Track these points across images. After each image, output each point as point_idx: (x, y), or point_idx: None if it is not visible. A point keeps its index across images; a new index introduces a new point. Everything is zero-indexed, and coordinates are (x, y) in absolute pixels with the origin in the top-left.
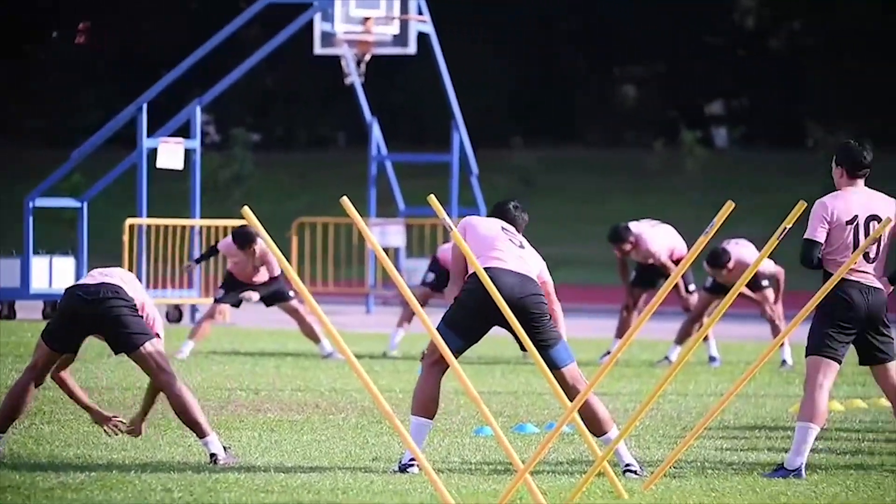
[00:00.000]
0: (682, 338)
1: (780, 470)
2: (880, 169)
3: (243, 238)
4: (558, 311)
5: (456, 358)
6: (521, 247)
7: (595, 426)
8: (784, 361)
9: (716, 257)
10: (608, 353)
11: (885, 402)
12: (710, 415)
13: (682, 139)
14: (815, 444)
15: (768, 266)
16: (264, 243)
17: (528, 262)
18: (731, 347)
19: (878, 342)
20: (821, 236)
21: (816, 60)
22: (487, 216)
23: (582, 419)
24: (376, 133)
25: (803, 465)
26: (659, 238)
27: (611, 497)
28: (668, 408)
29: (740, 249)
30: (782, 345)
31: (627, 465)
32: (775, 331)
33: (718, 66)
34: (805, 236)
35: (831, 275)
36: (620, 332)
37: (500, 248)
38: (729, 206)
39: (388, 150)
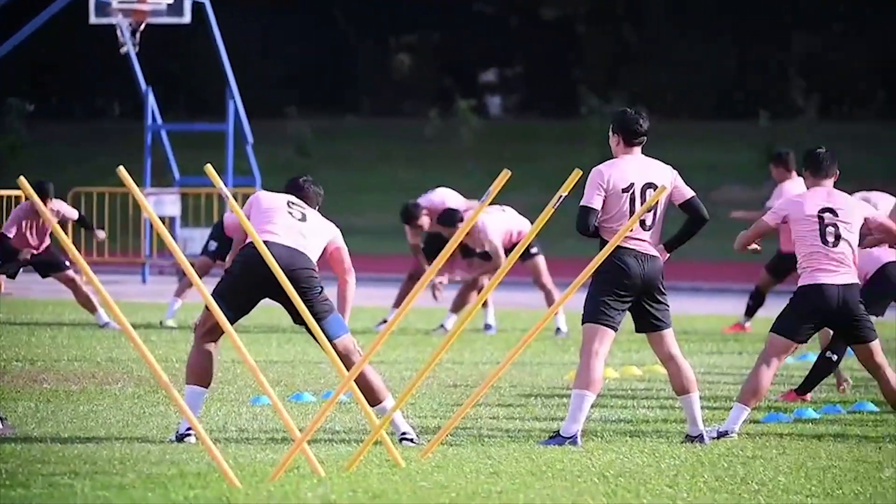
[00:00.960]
0: (457, 306)
1: (555, 437)
2: (653, 135)
3: (44, 189)
4: (351, 281)
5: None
6: (303, 220)
7: (370, 396)
8: (559, 329)
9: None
10: (384, 321)
11: (659, 369)
12: (486, 383)
13: (456, 108)
14: (591, 412)
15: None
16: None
17: (306, 236)
18: (507, 315)
19: (653, 310)
20: (597, 203)
21: (589, 28)
22: (284, 191)
23: (358, 389)
24: (151, 103)
25: (579, 433)
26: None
27: (388, 465)
28: (445, 376)
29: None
30: (557, 312)
31: (404, 433)
32: (549, 298)
33: (492, 35)
34: (581, 204)
35: (607, 242)
36: (398, 301)
37: (275, 221)
38: (505, 175)
39: (163, 119)
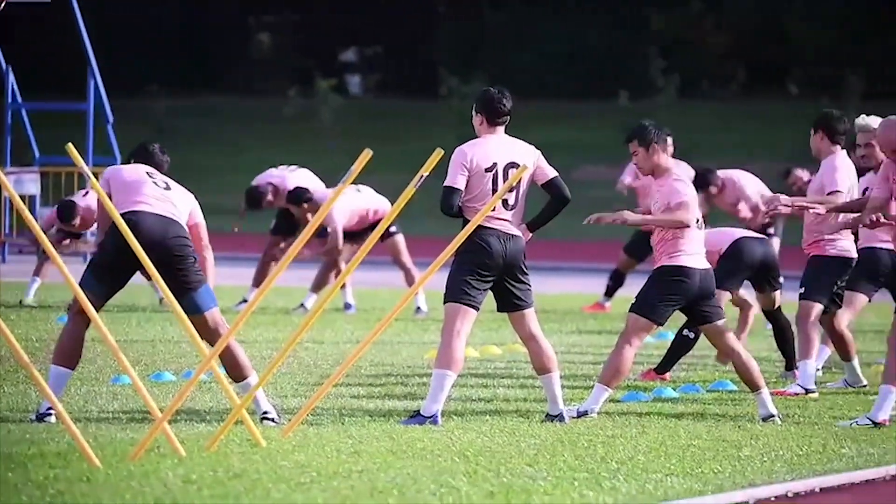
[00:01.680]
0: (317, 285)
1: (416, 416)
2: (513, 115)
3: None
4: (209, 258)
5: (103, 304)
6: (168, 189)
7: (236, 372)
8: (419, 308)
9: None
10: (244, 300)
11: (520, 348)
12: (347, 362)
13: (316, 87)
14: (451, 391)
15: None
16: None
17: (175, 204)
18: (367, 295)
19: (515, 289)
20: (460, 183)
21: (449, 8)
22: (129, 159)
23: (223, 365)
24: (12, 81)
25: (439, 412)
26: (302, 183)
27: (249, 445)
28: (305, 355)
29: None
30: (417, 292)
31: (265, 412)
32: (409, 278)
33: (351, 14)
34: (445, 184)
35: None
36: (257, 280)
37: (144, 192)
38: (366, 155)
39: (23, 98)
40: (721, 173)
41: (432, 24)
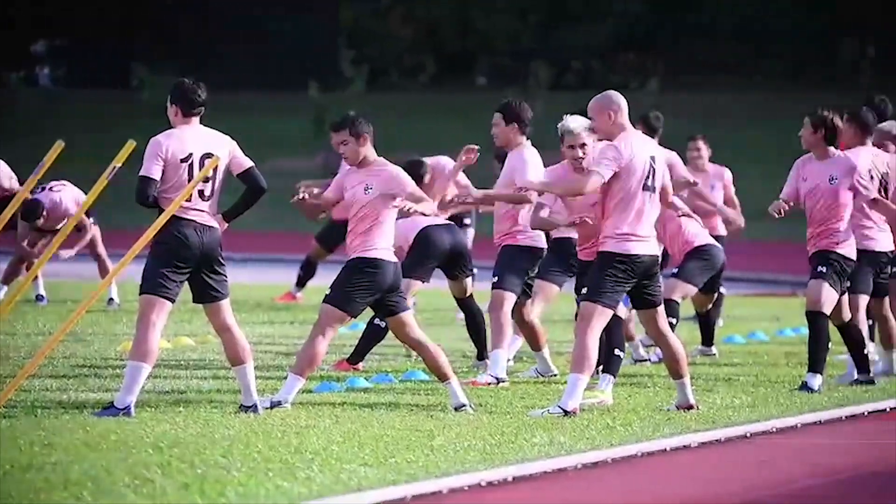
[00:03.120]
0: (8, 277)
1: (110, 408)
2: (211, 107)
3: None
4: None
5: None
6: None
7: None
8: (111, 299)
9: (31, 212)
10: None
11: (212, 339)
12: (39, 354)
13: (7, 80)
14: (145, 382)
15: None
16: None
17: None
18: (59, 286)
19: (212, 280)
20: (156, 174)
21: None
22: None
23: None
24: None
25: (133, 404)
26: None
27: None
28: None
29: (52, 195)
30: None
31: None
32: (103, 268)
33: (42, 6)
34: (140, 174)
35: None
36: None
37: None
38: (58, 147)
39: None
40: (428, 160)
41: (123, 14)
